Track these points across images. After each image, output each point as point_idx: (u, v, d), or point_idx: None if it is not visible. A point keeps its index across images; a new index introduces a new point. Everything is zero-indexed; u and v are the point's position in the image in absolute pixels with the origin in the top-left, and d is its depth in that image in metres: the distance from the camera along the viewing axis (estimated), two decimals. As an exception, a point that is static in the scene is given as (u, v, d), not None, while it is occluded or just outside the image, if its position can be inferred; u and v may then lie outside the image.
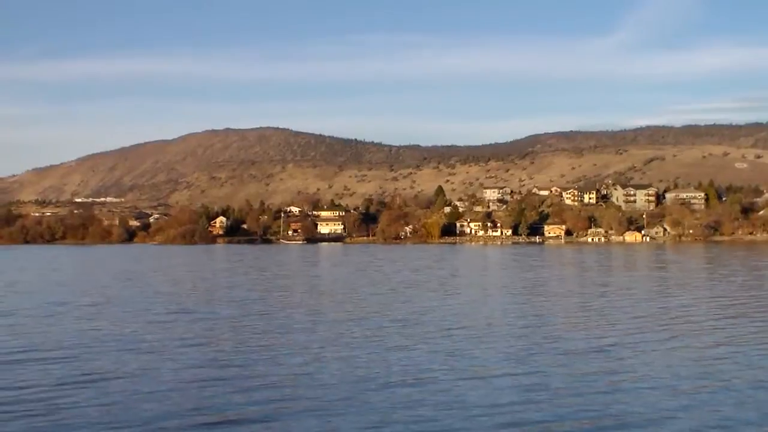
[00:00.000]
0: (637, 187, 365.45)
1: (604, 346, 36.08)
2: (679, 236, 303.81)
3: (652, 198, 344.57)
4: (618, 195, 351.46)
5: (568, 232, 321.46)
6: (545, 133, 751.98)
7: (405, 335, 39.80)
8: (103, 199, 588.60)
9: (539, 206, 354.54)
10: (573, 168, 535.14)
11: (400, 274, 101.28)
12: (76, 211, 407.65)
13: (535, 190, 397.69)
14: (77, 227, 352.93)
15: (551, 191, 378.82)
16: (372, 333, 40.83)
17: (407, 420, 22.41)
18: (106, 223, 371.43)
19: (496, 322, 46.06)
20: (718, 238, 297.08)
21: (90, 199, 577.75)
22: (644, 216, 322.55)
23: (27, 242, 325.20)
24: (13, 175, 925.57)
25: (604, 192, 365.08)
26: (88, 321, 46.19)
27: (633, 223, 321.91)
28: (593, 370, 29.94)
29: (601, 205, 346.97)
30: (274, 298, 64.77)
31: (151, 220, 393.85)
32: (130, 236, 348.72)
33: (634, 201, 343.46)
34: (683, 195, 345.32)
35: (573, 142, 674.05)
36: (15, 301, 59.02)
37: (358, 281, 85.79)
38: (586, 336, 39.61)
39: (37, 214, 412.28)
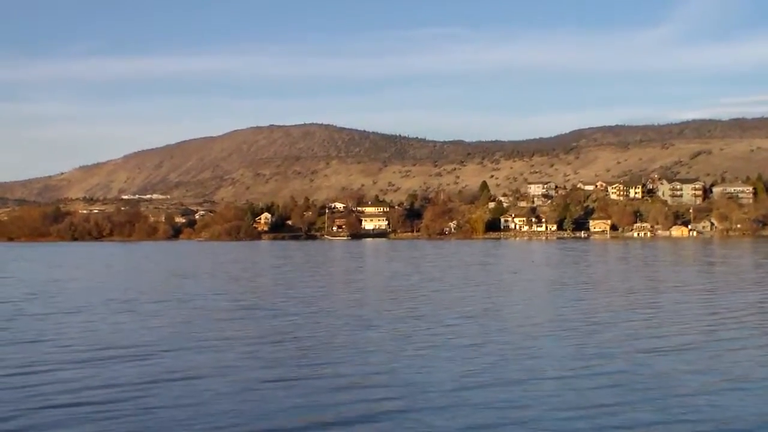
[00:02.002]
0: (684, 181, 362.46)
1: (685, 344, 35.09)
2: (727, 231, 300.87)
3: (699, 192, 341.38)
4: (664, 189, 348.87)
5: (614, 227, 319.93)
6: (590, 128, 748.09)
7: (478, 332, 38.94)
8: (149, 196, 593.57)
9: (584, 201, 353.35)
10: (618, 162, 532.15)
11: (454, 270, 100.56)
12: (122, 209, 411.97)
13: (579, 184, 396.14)
14: (124, 224, 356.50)
15: (596, 186, 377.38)
16: (445, 330, 40.09)
17: (509, 421, 21.69)
18: (152, 219, 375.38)
19: (568, 318, 45.21)
20: (766, 232, 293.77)
21: (136, 196, 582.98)
22: (691, 210, 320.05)
23: (75, 239, 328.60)
24: (61, 173, 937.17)
25: (650, 186, 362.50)
26: (155, 318, 45.99)
27: (679, 217, 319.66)
28: (684, 369, 29.06)
29: (647, 199, 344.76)
30: (334, 294, 64.40)
31: (197, 216, 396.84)
32: (175, 233, 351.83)
33: (681, 195, 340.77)
34: (731, 189, 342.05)
35: (618, 136, 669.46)
36: (80, 299, 59.07)
37: (414, 277, 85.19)
38: (664, 333, 38.54)
39: (84, 212, 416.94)
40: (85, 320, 45.18)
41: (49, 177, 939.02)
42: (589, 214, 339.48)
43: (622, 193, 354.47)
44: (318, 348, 34.46)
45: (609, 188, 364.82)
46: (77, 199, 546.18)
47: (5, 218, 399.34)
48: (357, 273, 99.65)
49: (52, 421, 21.85)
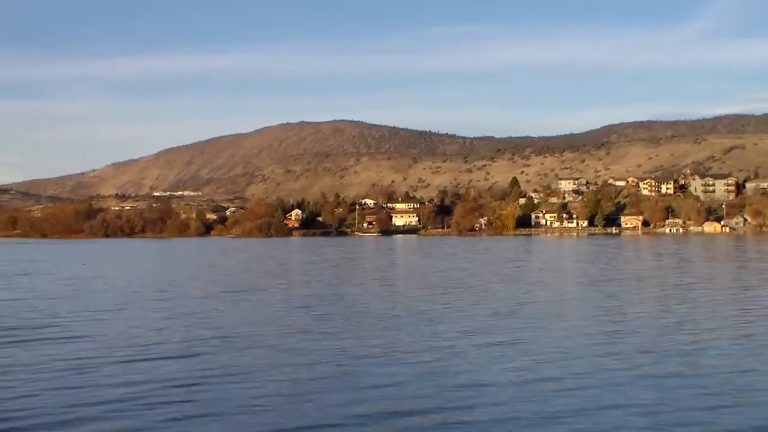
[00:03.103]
0: (716, 176, 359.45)
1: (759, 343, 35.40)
2: (760, 227, 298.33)
3: (731, 188, 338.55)
4: (696, 185, 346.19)
5: (645, 223, 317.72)
6: (621, 123, 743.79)
7: (528, 328, 39.35)
8: (180, 192, 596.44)
9: (615, 197, 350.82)
10: (650, 158, 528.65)
11: (491, 266, 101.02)
12: (154, 205, 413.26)
13: (611, 180, 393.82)
14: (156, 221, 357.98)
15: (627, 182, 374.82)
16: (493, 325, 40.44)
17: (581, 421, 22.08)
18: (183, 216, 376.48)
19: (625, 313, 45.56)
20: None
21: (168, 193, 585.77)
22: (723, 206, 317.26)
23: (107, 236, 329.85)
24: (93, 170, 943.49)
25: (682, 182, 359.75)
26: (200, 314, 46.57)
27: (712, 213, 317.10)
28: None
29: (679, 195, 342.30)
30: (374, 290, 64.28)
31: (228, 213, 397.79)
32: (207, 229, 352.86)
33: (713, 191, 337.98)
34: (764, 184, 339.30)
35: (650, 132, 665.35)
36: (123, 295, 59.96)
37: (453, 273, 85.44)
38: (733, 332, 38.76)
39: (116, 208, 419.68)
40: (130, 317, 45.86)
41: (82, 174, 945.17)
42: (620, 210, 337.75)
43: (653, 188, 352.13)
44: (361, 344, 34.79)
45: (640, 184, 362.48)
46: (109, 195, 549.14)
47: (39, 215, 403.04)
48: (393, 269, 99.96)
49: (95, 417, 22.26)
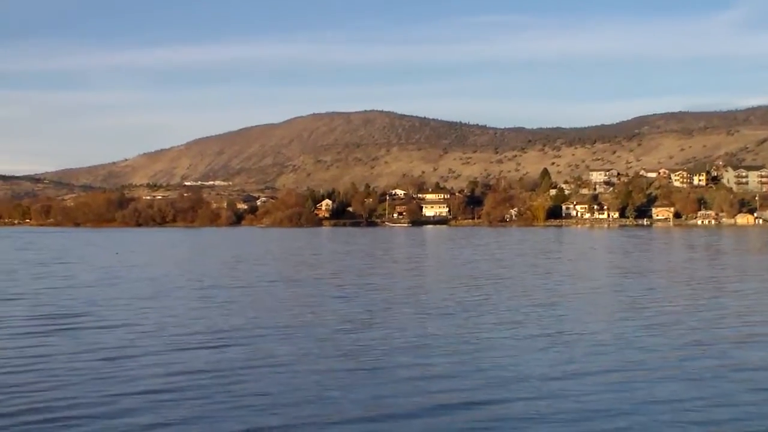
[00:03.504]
0: (750, 168, 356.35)
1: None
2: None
3: (765, 179, 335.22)
4: (729, 177, 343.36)
5: (677, 215, 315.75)
6: (653, 114, 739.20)
7: (567, 320, 39.20)
8: (211, 182, 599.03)
9: (647, 188, 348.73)
10: (682, 149, 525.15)
11: (524, 257, 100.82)
12: (185, 195, 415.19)
13: (642, 172, 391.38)
14: (187, 210, 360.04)
15: (659, 173, 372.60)
16: (531, 317, 40.30)
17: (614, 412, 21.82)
18: (214, 206, 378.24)
19: (664, 306, 45.20)
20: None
21: (199, 183, 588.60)
22: (757, 198, 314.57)
23: (139, 225, 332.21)
24: (125, 160, 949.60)
25: (714, 174, 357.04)
26: (233, 304, 46.63)
27: (745, 205, 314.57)
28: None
29: (712, 187, 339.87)
30: (409, 281, 64.03)
31: (258, 203, 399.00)
32: (237, 219, 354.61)
33: (746, 183, 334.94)
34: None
35: (682, 123, 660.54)
36: (157, 284, 60.10)
37: (487, 264, 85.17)
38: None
39: (148, 198, 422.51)
40: (167, 306, 46.02)
41: (114, 163, 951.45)
42: (651, 201, 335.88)
43: (685, 180, 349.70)
44: (399, 336, 34.56)
45: (672, 175, 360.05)
46: (141, 185, 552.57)
47: (71, 204, 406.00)
48: (427, 259, 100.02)
49: (136, 407, 22.23)
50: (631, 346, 31.86)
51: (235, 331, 35.88)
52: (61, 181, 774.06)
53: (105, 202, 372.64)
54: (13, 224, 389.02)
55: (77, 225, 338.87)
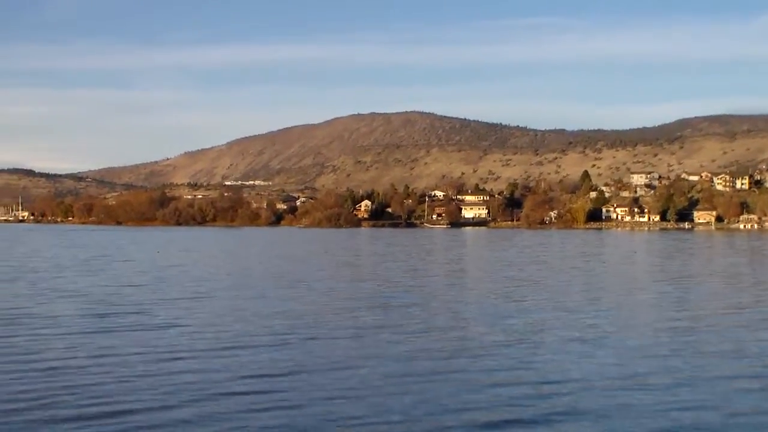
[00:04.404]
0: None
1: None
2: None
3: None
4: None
5: (719, 219, 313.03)
6: (695, 117, 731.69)
7: (616, 323, 39.16)
8: (251, 182, 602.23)
9: (688, 192, 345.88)
10: (724, 152, 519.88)
11: (567, 259, 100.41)
12: (226, 194, 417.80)
13: (684, 175, 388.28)
14: (227, 210, 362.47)
15: (701, 176, 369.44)
16: (579, 320, 40.22)
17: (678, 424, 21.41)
18: (254, 205, 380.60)
19: (713, 310, 45.05)
20: None
21: (239, 182, 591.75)
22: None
23: (179, 224, 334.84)
24: (167, 159, 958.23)
25: (757, 177, 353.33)
26: (285, 304, 46.72)
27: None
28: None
29: (755, 191, 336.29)
30: (454, 283, 63.98)
31: (298, 203, 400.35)
32: (277, 219, 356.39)
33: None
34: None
35: (725, 126, 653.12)
36: (204, 284, 60.38)
37: (530, 266, 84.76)
38: None
39: (189, 197, 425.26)
40: (214, 305, 46.31)
41: (155, 162, 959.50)
42: (693, 204, 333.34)
43: (728, 183, 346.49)
44: (457, 339, 34.52)
45: (714, 179, 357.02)
46: (182, 184, 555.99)
47: (113, 203, 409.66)
48: (473, 260, 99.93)
49: (197, 409, 22.22)
50: (679, 351, 31.57)
51: (290, 332, 35.91)
52: (104, 179, 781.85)
53: (146, 200, 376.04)
54: (56, 222, 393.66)
55: (119, 223, 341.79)
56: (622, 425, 20.99)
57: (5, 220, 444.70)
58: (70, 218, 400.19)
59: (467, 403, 23.06)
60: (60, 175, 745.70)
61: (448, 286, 61.60)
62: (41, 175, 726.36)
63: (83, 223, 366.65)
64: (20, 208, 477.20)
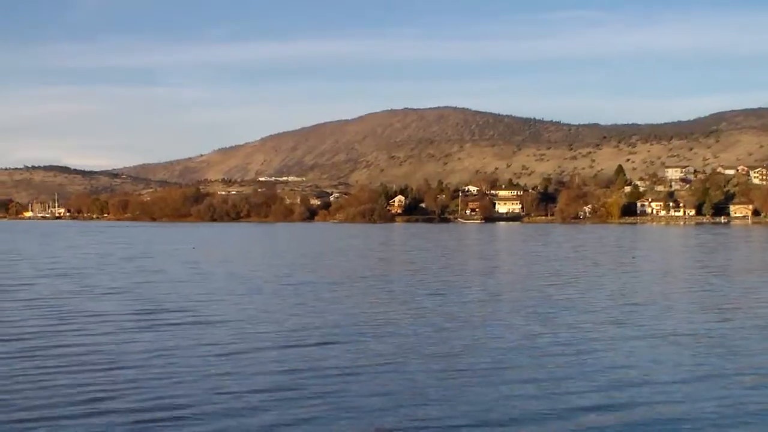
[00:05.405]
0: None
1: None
2: None
3: None
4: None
5: (756, 212, 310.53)
6: (731, 110, 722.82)
7: (672, 318, 38.71)
8: (285, 178, 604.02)
9: (724, 186, 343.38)
10: (761, 146, 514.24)
11: (608, 255, 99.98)
12: (259, 190, 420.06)
13: (720, 169, 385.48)
14: (261, 206, 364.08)
15: (737, 170, 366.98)
16: (634, 316, 39.74)
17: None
18: (288, 201, 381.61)
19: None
20: None
21: (273, 178, 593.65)
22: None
23: (213, 220, 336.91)
24: (201, 155, 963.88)
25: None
26: (330, 300, 46.79)
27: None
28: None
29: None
30: (497, 278, 63.34)
31: (332, 198, 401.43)
32: (311, 214, 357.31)
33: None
34: None
35: (762, 119, 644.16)
36: (247, 280, 60.20)
37: (571, 262, 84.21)
38: None
39: (223, 193, 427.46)
40: (260, 302, 46.09)
41: (189, 159, 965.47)
42: (729, 198, 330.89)
43: (765, 177, 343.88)
44: (502, 335, 34.12)
45: (751, 172, 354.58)
46: (216, 180, 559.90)
47: (148, 199, 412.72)
48: (511, 257, 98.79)
49: (249, 406, 22.03)
50: (747, 350, 30.81)
51: (335, 328, 35.68)
52: (138, 176, 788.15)
53: (181, 197, 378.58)
54: (92, 219, 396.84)
55: (154, 219, 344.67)
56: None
57: (42, 216, 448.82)
58: (106, 215, 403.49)
59: (518, 399, 22.81)
60: (95, 172, 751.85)
61: (488, 281, 60.94)
62: (77, 172, 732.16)
63: (118, 219, 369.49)
64: (56, 205, 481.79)
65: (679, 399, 22.86)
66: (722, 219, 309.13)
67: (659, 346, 31.31)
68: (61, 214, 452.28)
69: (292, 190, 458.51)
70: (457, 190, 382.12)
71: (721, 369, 26.89)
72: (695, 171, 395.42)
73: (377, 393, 23.46)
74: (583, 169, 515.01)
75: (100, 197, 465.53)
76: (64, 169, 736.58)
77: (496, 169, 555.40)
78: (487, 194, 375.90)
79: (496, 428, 20.06)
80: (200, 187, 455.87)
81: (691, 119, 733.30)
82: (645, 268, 76.82)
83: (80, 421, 20.25)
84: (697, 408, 21.84)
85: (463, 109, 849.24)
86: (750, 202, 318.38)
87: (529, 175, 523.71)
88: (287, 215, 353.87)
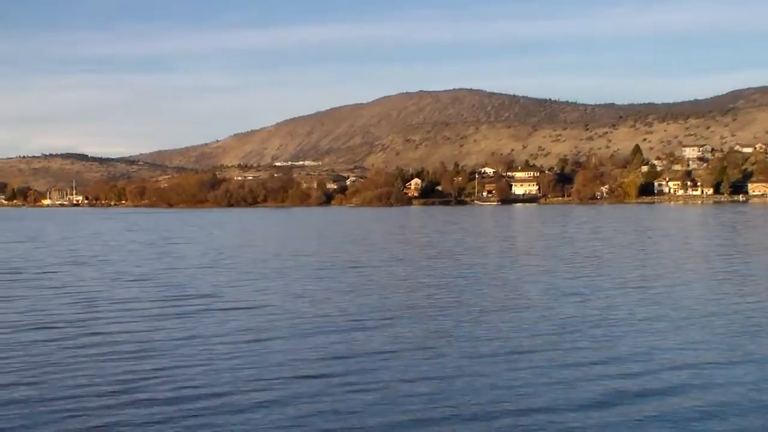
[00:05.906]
0: None
1: None
2: None
3: None
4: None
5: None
6: (749, 88, 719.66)
7: (704, 301, 37.85)
8: (301, 162, 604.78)
9: (742, 164, 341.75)
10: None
11: (628, 235, 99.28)
12: (276, 175, 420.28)
13: (737, 147, 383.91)
14: (277, 190, 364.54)
15: (755, 148, 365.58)
16: (662, 298, 39.13)
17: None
18: (304, 186, 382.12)
19: None
20: None
21: (289, 163, 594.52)
22: None
23: (230, 205, 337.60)
24: (217, 141, 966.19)
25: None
26: (359, 284, 46.81)
27: None
28: None
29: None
30: (522, 261, 62.80)
31: (348, 182, 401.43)
32: (327, 199, 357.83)
33: None
34: None
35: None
36: (271, 265, 60.31)
37: (592, 243, 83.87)
38: None
39: (239, 178, 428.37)
40: (287, 287, 45.88)
41: (206, 145, 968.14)
42: (747, 177, 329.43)
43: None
44: (535, 318, 33.75)
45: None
46: (232, 166, 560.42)
47: (165, 185, 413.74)
48: (534, 239, 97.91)
49: (276, 394, 21.73)
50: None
51: (366, 313, 35.46)
52: (155, 162, 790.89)
53: (198, 183, 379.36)
54: (110, 205, 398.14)
55: (171, 206, 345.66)
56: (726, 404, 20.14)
57: (60, 204, 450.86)
58: (123, 201, 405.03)
59: (560, 384, 22.37)
60: (112, 159, 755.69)
61: (514, 263, 60.66)
62: (94, 159, 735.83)
63: (136, 206, 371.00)
64: (74, 192, 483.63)
65: (718, 383, 22.41)
66: (740, 197, 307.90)
67: (691, 328, 30.89)
68: (79, 202, 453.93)
69: (308, 174, 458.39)
70: (473, 173, 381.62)
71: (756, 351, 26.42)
72: (712, 149, 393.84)
73: (413, 379, 23.15)
74: (600, 149, 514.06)
75: (118, 184, 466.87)
76: (82, 157, 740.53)
77: (512, 150, 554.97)
78: (503, 176, 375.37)
79: (534, 414, 19.63)
80: (217, 172, 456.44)
81: (708, 97, 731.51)
82: (670, 247, 76.46)
83: (115, 411, 20.04)
84: (736, 393, 21.34)
85: (478, 90, 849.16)
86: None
87: (546, 156, 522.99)
88: (304, 200, 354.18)
